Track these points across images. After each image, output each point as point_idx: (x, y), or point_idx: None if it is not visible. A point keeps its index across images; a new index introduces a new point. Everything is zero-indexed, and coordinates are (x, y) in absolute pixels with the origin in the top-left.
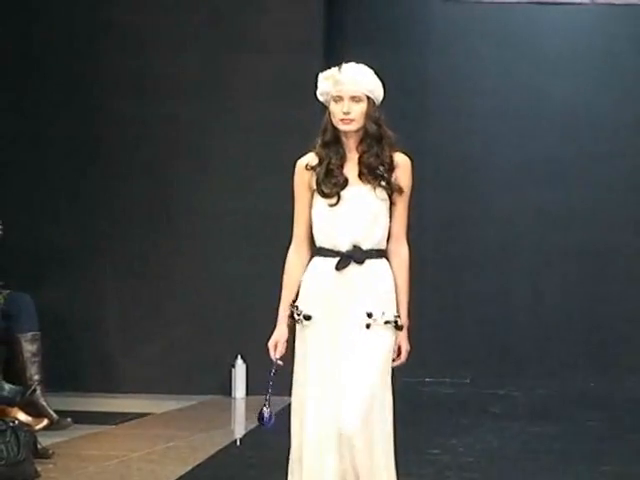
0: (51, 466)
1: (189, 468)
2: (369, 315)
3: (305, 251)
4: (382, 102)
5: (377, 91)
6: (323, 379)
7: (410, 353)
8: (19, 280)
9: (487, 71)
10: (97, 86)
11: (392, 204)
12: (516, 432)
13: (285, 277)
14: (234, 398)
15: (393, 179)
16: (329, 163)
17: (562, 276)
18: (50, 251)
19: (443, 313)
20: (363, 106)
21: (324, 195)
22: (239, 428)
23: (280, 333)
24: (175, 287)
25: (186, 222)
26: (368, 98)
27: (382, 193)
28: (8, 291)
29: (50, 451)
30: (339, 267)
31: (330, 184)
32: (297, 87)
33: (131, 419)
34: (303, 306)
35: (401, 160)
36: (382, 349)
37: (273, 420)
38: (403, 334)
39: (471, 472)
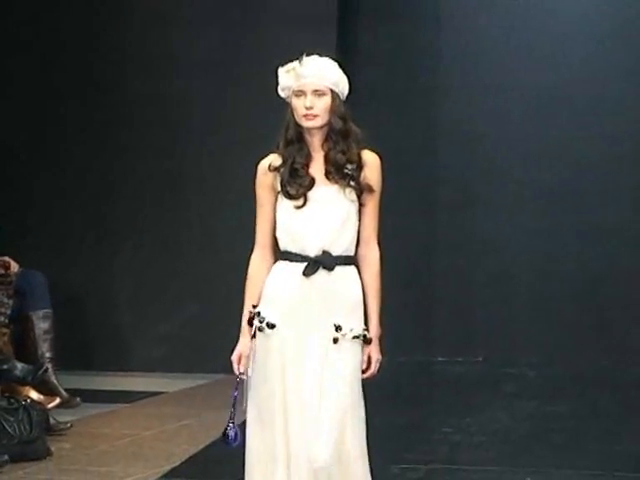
0: (65, 443)
1: (201, 447)
2: (337, 328)
3: (269, 257)
4: (347, 97)
5: (342, 84)
6: (288, 394)
7: (381, 363)
8: (32, 258)
9: (501, 48)
10: (112, 64)
11: (361, 205)
12: (529, 411)
13: (248, 285)
14: (247, 376)
15: (362, 178)
16: (293, 162)
17: (575, 255)
18: (62, 230)
19: (455, 292)
20: (327, 100)
21: (289, 197)
22: None
23: (244, 345)
24: (187, 266)
25: (198, 201)
26: (332, 92)
27: (351, 194)
28: (21, 269)
29: (68, 424)
30: (307, 273)
31: (296, 185)
32: None
33: (143, 398)
34: (266, 313)
35: (370, 158)
36: (351, 368)
37: (239, 439)
38: (374, 343)
39: (484, 451)
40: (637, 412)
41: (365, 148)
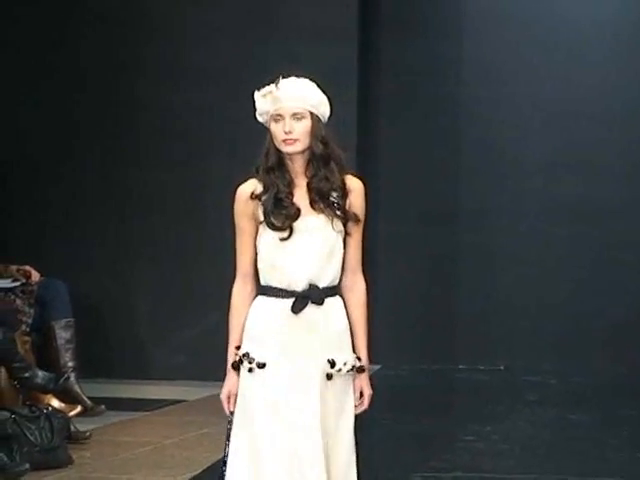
0: (86, 451)
1: (222, 455)
2: (332, 364)
3: (251, 288)
4: (329, 118)
5: (322, 106)
6: (279, 433)
7: (372, 397)
8: (54, 267)
9: (522, 60)
10: (127, 74)
11: (347, 234)
12: (551, 419)
13: (232, 319)
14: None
15: (347, 206)
16: (277, 192)
17: (594, 263)
18: (83, 239)
19: (477, 301)
20: (307, 124)
21: (274, 228)
22: None
23: (233, 383)
24: (206, 274)
25: (217, 211)
26: (312, 115)
27: (339, 224)
28: (43, 278)
29: (88, 433)
30: (296, 309)
31: (281, 215)
32: (332, 75)
33: (164, 406)
34: (255, 353)
35: (354, 184)
36: (347, 407)
37: None
38: (364, 377)
39: (506, 459)
40: None
41: (348, 173)
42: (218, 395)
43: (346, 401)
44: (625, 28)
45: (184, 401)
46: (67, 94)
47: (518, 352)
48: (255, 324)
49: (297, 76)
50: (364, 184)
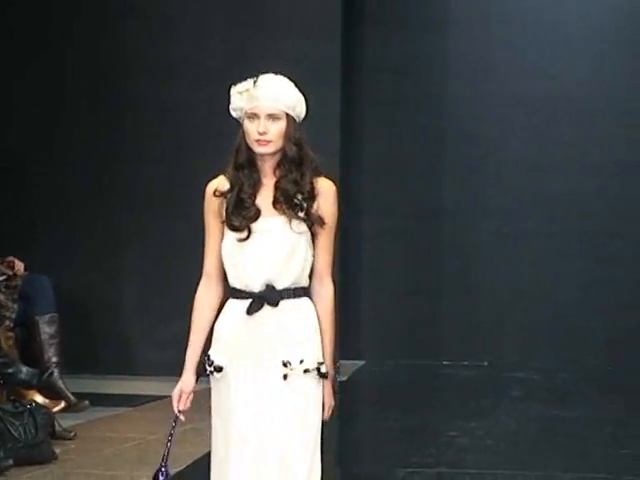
0: (70, 447)
1: (207, 450)
2: (285, 364)
3: (215, 288)
4: (304, 119)
5: (298, 108)
6: (241, 440)
7: (334, 409)
8: (37, 262)
9: (505, 54)
10: (118, 71)
11: (314, 237)
12: (535, 415)
13: (193, 318)
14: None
15: (314, 209)
16: (240, 191)
17: (581, 260)
18: (68, 234)
19: (461, 296)
20: (282, 125)
21: (233, 228)
22: None
23: (186, 382)
24: (193, 269)
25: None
26: (288, 116)
27: (300, 225)
28: (27, 273)
29: (72, 433)
30: (250, 311)
31: (240, 216)
32: (316, 71)
33: (149, 401)
34: (214, 356)
35: (324, 187)
36: (304, 407)
37: None
38: (327, 386)
39: (490, 455)
40: None
41: (320, 175)
42: (202, 390)
43: (308, 403)
44: (612, 24)
45: (168, 397)
46: (54, 89)
47: (502, 348)
48: (218, 326)
49: (276, 73)
50: (337, 187)
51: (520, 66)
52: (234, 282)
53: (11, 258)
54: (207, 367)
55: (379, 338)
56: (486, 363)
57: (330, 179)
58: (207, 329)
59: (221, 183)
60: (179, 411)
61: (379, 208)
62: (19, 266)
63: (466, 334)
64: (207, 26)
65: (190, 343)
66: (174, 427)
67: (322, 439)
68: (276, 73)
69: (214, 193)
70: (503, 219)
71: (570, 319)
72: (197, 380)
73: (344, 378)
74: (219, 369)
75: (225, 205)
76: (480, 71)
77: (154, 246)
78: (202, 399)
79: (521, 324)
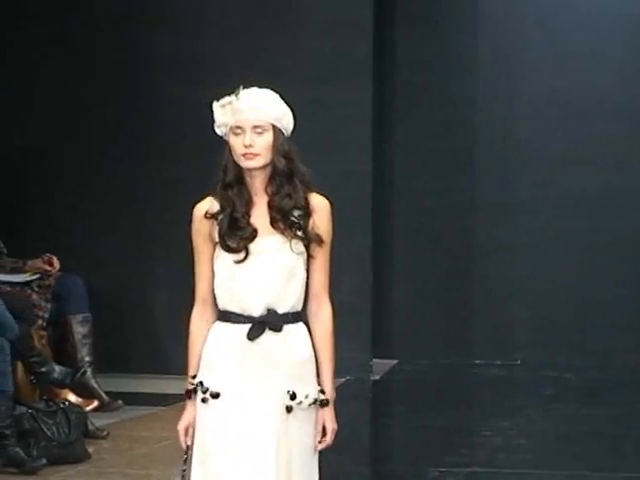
0: (103, 446)
1: None
2: (292, 397)
3: (210, 314)
4: (293, 131)
5: (285, 119)
6: (236, 469)
7: (337, 433)
8: (70, 262)
9: (537, 51)
10: (141, 70)
11: (310, 257)
12: (567, 414)
13: (191, 348)
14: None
15: (310, 227)
16: (233, 210)
17: (613, 257)
18: (101, 234)
19: (494, 295)
20: (268, 138)
21: (229, 250)
22: None
23: (191, 415)
24: None
25: None
26: (274, 128)
27: (298, 245)
28: (59, 272)
29: (105, 432)
30: (251, 336)
31: (236, 237)
32: (349, 69)
33: (181, 401)
34: (209, 382)
35: (319, 203)
36: (307, 442)
37: None
38: (328, 411)
39: (523, 454)
40: None
41: (313, 191)
42: None
43: (308, 435)
44: None
45: None
46: (78, 88)
47: (534, 347)
48: (210, 351)
49: (259, 87)
50: (330, 203)
51: (552, 63)
52: (227, 305)
53: (49, 255)
54: (200, 394)
55: (411, 337)
56: (518, 362)
57: (322, 195)
58: None
59: (210, 204)
60: (188, 447)
61: (411, 205)
62: (57, 264)
63: (498, 333)
64: (233, 24)
65: (189, 373)
66: (185, 463)
67: (320, 461)
68: (259, 87)
69: (205, 215)
70: (536, 216)
71: (602, 317)
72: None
73: (376, 377)
74: (216, 395)
75: (217, 227)
76: (512, 68)
77: (186, 246)
78: None
79: (553, 322)
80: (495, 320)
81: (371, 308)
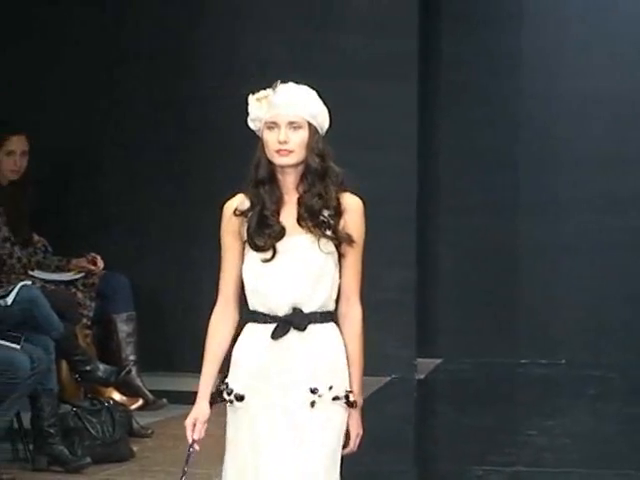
0: (148, 444)
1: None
2: (313, 391)
3: (232, 313)
4: (327, 132)
5: (321, 117)
6: (261, 472)
7: (362, 438)
8: (114, 261)
9: (580, 50)
10: (179, 65)
11: (341, 256)
12: (612, 413)
13: (208, 345)
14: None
15: (341, 226)
16: (262, 208)
17: None
18: (145, 233)
19: (538, 294)
20: (303, 135)
21: (257, 248)
22: None
23: (200, 411)
24: None
25: None
26: (310, 125)
27: (328, 245)
28: (104, 271)
29: (150, 430)
30: (275, 336)
31: (264, 235)
32: (394, 66)
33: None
34: (234, 383)
35: (351, 203)
36: (330, 438)
37: None
38: (354, 416)
39: (568, 454)
40: None
41: (346, 191)
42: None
43: (331, 432)
44: None
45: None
46: (122, 89)
47: (579, 346)
48: (238, 352)
49: (297, 83)
50: (363, 203)
51: (595, 62)
52: (256, 305)
53: (93, 254)
54: (225, 395)
55: (456, 336)
56: (563, 361)
57: (357, 195)
58: (222, 357)
59: (240, 202)
60: (193, 441)
61: (456, 204)
62: (100, 262)
63: (543, 332)
64: (275, 21)
65: (205, 371)
66: (187, 461)
67: (341, 466)
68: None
69: (234, 212)
70: (580, 215)
71: None
72: (211, 408)
73: (421, 376)
74: (240, 398)
75: (246, 224)
76: (554, 67)
77: None
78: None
79: (598, 321)
80: (540, 319)
81: (416, 306)
